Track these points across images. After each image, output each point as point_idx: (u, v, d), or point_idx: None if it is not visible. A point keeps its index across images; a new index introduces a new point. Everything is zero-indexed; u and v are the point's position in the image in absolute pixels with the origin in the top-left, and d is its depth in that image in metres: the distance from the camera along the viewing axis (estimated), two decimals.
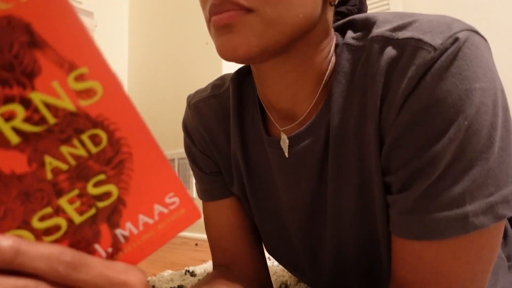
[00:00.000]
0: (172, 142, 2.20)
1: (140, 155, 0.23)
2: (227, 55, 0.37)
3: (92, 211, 0.23)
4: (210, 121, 0.56)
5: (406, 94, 0.35)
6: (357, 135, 0.41)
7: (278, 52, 0.39)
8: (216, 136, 0.56)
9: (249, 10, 0.35)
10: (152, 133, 0.23)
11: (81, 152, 0.22)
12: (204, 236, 1.75)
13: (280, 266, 1.01)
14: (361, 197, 0.43)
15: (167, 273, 1.06)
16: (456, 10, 1.67)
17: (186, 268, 1.09)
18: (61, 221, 0.22)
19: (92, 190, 0.23)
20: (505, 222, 0.35)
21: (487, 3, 1.60)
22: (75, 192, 0.22)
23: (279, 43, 0.37)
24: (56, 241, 0.22)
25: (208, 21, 0.38)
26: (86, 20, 2.17)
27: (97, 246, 0.24)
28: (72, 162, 0.22)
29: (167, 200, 0.25)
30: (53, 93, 0.20)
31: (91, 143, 0.22)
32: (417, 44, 0.34)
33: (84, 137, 0.21)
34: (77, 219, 0.23)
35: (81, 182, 0.22)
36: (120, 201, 0.23)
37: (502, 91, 0.35)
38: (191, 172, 2.03)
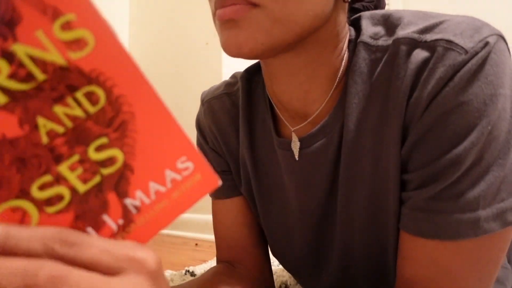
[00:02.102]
0: None
1: (143, 115, 0.20)
2: (231, 51, 0.36)
3: (97, 179, 0.21)
4: (222, 120, 0.55)
5: (433, 94, 0.34)
6: (374, 138, 0.40)
7: (285, 50, 0.38)
8: (227, 135, 0.55)
9: (255, 5, 0.33)
10: (155, 90, 0.20)
11: (77, 112, 0.19)
12: (204, 236, 1.75)
13: (280, 266, 1.01)
14: (373, 203, 0.42)
15: (167, 273, 1.06)
16: (456, 9, 1.67)
17: (186, 268, 1.09)
18: (63, 190, 0.20)
19: (94, 155, 0.20)
20: None
21: (487, 2, 1.60)
22: (76, 157, 0.20)
23: (286, 41, 0.36)
24: (60, 212, 0.20)
25: (214, 14, 0.37)
26: None
27: (105, 217, 0.21)
28: (69, 124, 0.19)
29: (179, 165, 0.22)
30: (38, 45, 0.18)
31: (88, 102, 0.19)
32: (448, 45, 0.34)
33: (79, 95, 0.19)
34: (81, 187, 0.20)
35: (80, 146, 0.20)
36: (126, 167, 0.21)
37: None
38: None
